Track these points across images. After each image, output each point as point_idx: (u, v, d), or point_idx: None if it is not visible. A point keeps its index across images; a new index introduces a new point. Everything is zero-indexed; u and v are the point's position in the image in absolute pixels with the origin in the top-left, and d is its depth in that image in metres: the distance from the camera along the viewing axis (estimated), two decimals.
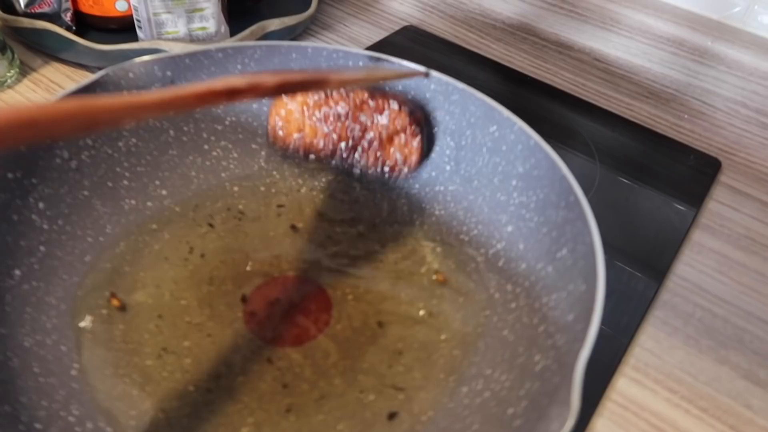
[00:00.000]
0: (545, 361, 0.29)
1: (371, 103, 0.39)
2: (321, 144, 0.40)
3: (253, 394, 0.31)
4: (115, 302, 0.34)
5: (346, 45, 0.61)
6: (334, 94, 0.39)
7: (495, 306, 0.35)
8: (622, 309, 0.39)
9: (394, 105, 0.39)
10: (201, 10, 0.50)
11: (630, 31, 0.56)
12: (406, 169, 0.39)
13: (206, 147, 0.41)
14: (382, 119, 0.39)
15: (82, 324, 0.33)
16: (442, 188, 0.41)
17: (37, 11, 0.52)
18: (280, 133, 0.40)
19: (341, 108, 0.39)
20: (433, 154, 0.41)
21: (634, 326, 0.38)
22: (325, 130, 0.39)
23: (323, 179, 0.43)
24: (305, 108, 0.40)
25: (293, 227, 0.40)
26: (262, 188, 0.42)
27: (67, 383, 0.29)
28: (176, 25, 0.50)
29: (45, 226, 0.33)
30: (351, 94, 0.39)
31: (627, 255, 0.42)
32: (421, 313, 0.36)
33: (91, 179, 0.36)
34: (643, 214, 0.46)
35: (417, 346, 0.34)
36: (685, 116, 0.55)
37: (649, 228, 0.45)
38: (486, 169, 0.39)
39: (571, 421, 0.23)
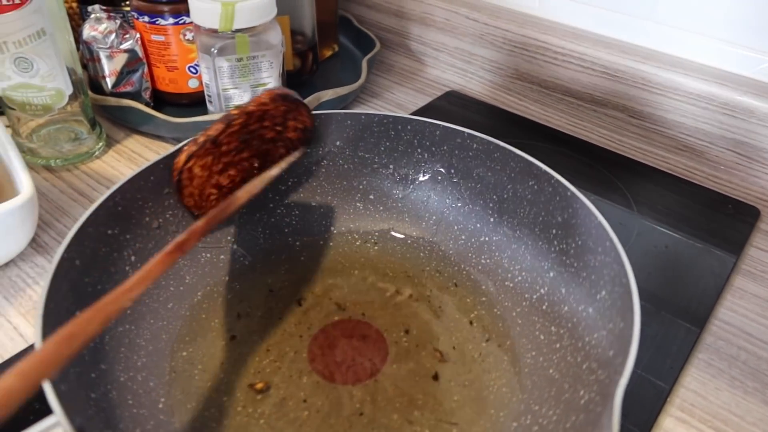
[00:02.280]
0: (589, 394, 0.31)
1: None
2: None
3: (317, 428, 0.34)
4: (190, 349, 0.38)
5: (393, 110, 0.66)
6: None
7: (540, 347, 0.37)
8: (666, 352, 0.40)
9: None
10: (264, 84, 0.56)
11: (661, 89, 0.59)
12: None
13: (271, 206, 0.46)
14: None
15: (167, 364, 0.36)
16: (487, 239, 0.44)
17: (121, 91, 0.59)
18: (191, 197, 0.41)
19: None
20: (478, 207, 0.45)
21: (678, 368, 0.40)
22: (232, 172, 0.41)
23: (375, 236, 0.47)
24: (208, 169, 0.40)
25: (350, 275, 0.44)
26: (321, 242, 0.46)
27: (156, 415, 0.33)
28: (242, 99, 0.56)
29: None
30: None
31: (668, 300, 0.44)
32: (472, 354, 0.38)
33: (173, 235, 0.41)
34: (684, 262, 0.48)
35: (468, 384, 0.36)
36: (721, 167, 0.57)
37: (690, 275, 0.46)
38: (527, 219, 0.42)
39: None
